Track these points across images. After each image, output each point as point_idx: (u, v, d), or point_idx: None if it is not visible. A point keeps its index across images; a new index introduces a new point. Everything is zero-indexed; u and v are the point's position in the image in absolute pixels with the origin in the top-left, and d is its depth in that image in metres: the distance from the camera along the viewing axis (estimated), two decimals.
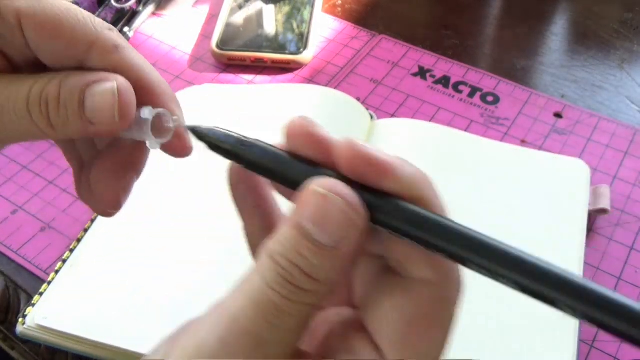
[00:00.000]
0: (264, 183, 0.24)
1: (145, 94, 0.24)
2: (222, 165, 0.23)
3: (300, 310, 0.18)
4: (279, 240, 0.19)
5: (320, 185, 0.18)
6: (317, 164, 0.20)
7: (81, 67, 0.24)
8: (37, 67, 0.24)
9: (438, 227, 0.18)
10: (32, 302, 0.41)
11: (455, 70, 0.59)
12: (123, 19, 0.64)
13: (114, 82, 0.23)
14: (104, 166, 0.26)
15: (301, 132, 0.20)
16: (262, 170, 0.22)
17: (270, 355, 0.18)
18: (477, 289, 0.41)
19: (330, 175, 0.19)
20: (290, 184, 0.21)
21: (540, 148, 0.52)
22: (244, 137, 0.22)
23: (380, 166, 0.19)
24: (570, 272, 0.17)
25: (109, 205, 0.26)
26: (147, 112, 0.24)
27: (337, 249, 0.18)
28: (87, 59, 0.24)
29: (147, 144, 0.24)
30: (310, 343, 0.21)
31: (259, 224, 0.24)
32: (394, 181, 0.19)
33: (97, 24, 0.24)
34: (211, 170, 0.37)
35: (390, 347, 0.19)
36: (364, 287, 0.21)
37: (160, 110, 0.24)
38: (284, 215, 0.24)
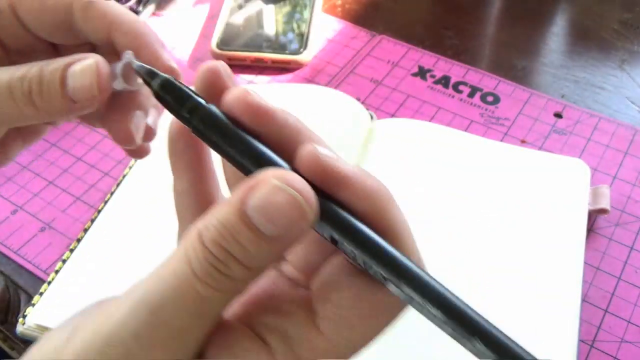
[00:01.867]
0: (208, 150, 0.23)
1: (126, 39, 0.26)
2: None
3: (226, 299, 0.18)
4: (215, 225, 0.17)
5: (279, 178, 0.17)
6: (274, 149, 0.19)
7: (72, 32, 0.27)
8: (36, 55, 0.27)
9: (370, 243, 0.18)
10: (32, 302, 0.41)
11: (455, 70, 0.59)
12: None
13: (92, 59, 0.24)
14: (108, 105, 0.27)
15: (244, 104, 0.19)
16: (212, 143, 0.20)
17: (189, 344, 0.18)
18: (477, 288, 0.41)
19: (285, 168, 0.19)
20: (241, 167, 0.19)
21: (540, 148, 0.52)
22: (200, 101, 0.20)
23: (340, 176, 0.18)
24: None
25: (124, 141, 0.27)
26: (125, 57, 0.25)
27: (278, 240, 0.17)
28: (72, 21, 0.27)
29: (114, 83, 0.25)
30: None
31: (192, 186, 0.23)
32: (350, 193, 0.19)
33: None
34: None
35: (331, 327, 0.19)
36: (328, 265, 0.21)
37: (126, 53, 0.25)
38: (222, 197, 0.23)
